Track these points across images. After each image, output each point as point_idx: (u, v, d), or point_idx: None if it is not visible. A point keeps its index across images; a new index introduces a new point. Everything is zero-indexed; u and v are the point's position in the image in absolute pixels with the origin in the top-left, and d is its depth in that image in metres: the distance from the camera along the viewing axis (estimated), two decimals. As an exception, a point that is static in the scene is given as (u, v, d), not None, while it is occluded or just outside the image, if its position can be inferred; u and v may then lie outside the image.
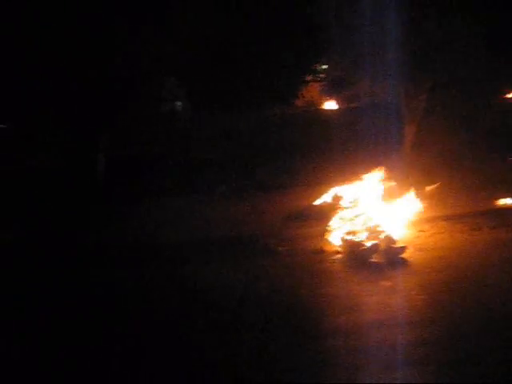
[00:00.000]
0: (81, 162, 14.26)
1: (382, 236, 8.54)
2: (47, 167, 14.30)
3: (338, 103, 23.58)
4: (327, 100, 23.96)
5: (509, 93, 21.00)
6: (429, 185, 10.01)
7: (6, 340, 6.12)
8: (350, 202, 9.68)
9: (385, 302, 6.75)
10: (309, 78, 18.67)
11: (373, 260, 8.27)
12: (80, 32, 12.20)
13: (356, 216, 9.22)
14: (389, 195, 9.92)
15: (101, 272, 8.24)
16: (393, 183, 10.30)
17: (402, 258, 8.22)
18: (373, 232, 8.68)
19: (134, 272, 8.25)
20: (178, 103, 25.86)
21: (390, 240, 8.46)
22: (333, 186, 10.44)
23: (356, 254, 8.37)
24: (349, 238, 8.72)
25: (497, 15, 12.12)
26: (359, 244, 8.47)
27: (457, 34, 12.17)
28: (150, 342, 5.98)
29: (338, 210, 9.57)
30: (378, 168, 10.92)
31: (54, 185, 12.89)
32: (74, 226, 10.58)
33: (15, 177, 13.49)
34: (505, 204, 10.31)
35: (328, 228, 9.19)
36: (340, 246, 8.73)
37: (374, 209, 9.37)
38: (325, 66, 23.89)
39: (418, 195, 9.95)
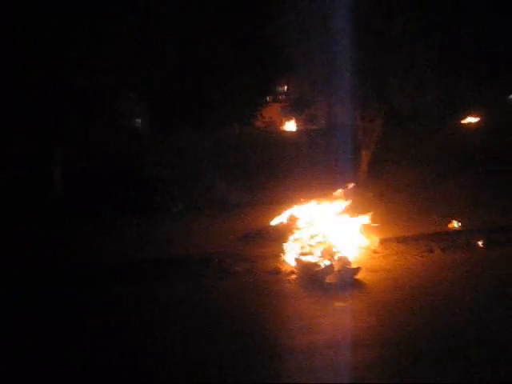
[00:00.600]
0: (37, 173, 14.08)
1: (337, 257, 8.62)
2: (4, 178, 14.08)
3: (297, 124, 23.92)
4: (287, 121, 24.29)
5: (463, 118, 21.70)
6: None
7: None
8: (306, 223, 9.75)
9: (338, 323, 6.81)
10: (268, 98, 18.89)
11: (327, 281, 8.33)
12: (39, 43, 12.10)
13: (311, 237, 9.29)
14: (344, 217, 10.03)
15: (52, 289, 8.11)
16: (348, 205, 10.41)
17: (356, 279, 8.31)
18: (328, 253, 8.75)
19: (86, 289, 8.15)
20: (138, 120, 25.74)
21: (344, 261, 8.54)
22: (289, 206, 10.51)
23: (311, 275, 8.41)
24: (304, 258, 8.77)
25: (456, 41, 12.47)
26: (314, 265, 8.52)
27: (414, 59, 12.50)
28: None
29: (294, 231, 9.62)
30: (334, 189, 11.09)
31: (9, 197, 12.70)
32: (26, 241, 10.40)
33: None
34: (456, 226, 10.54)
35: (284, 248, 9.23)
36: (295, 267, 8.75)
37: (330, 230, 9.46)
38: (285, 88, 24.21)
39: (371, 216, 10.10)
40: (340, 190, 11.07)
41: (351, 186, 11.45)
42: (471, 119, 23.47)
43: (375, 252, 9.53)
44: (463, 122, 22.02)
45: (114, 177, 14.14)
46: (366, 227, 9.96)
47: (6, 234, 10.64)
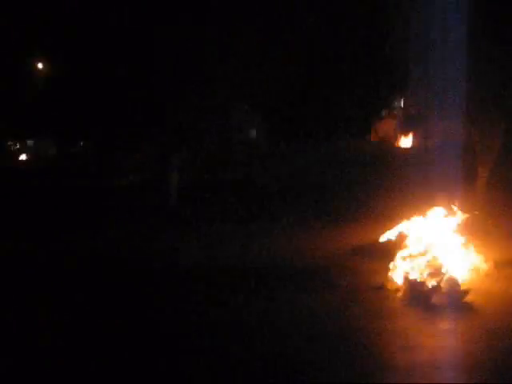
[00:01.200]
0: (156, 179, 14.90)
1: (446, 277, 8.37)
2: (130, 183, 15.03)
3: (412, 140, 23.45)
4: (402, 136, 23.90)
5: None
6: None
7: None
8: (415, 240, 9.54)
9: (443, 345, 6.64)
10: (384, 113, 18.73)
11: (434, 301, 8.11)
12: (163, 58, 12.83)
13: (420, 254, 9.07)
14: (456, 236, 9.71)
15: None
16: (461, 224, 10.07)
17: (464, 302, 8.02)
18: (436, 272, 8.51)
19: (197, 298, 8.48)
20: (253, 131, 26.39)
21: (453, 282, 8.28)
22: (399, 223, 10.35)
23: (417, 294, 8.23)
24: (411, 276, 8.59)
25: None
26: (421, 284, 8.34)
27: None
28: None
29: (402, 248, 9.45)
30: (448, 207, 10.76)
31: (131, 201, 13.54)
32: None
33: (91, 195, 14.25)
34: None
35: (391, 265, 9.10)
36: (402, 285, 8.61)
37: (440, 248, 9.20)
38: (401, 103, 23.84)
39: (485, 239, 9.72)
40: (454, 208, 10.73)
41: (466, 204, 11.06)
42: None
43: (487, 275, 9.14)
44: None
45: (226, 186, 14.65)
46: (480, 249, 9.59)
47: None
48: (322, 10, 13.68)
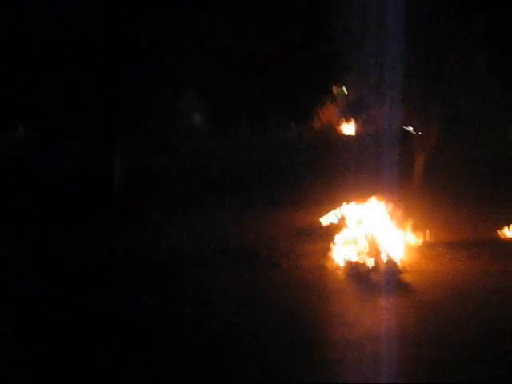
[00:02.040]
0: (99, 165, 14.74)
1: (384, 257, 8.78)
2: (69, 169, 14.79)
3: (355, 127, 23.93)
4: (344, 123, 24.34)
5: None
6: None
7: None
8: (356, 223, 9.93)
9: (380, 320, 7.01)
10: (326, 99, 19.04)
11: (373, 280, 8.51)
12: (103, 42, 12.68)
13: (360, 236, 9.46)
14: (394, 219, 10.15)
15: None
16: (399, 208, 10.52)
17: (401, 280, 8.45)
18: (375, 253, 8.92)
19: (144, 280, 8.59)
20: (197, 116, 26.25)
21: (390, 261, 8.71)
22: (340, 206, 10.71)
23: (356, 273, 8.61)
24: (351, 257, 8.97)
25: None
26: (360, 263, 8.73)
27: (473, 66, 12.45)
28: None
29: (343, 230, 9.82)
30: (386, 192, 11.19)
31: (73, 185, 13.36)
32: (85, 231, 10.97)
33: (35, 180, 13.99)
34: (508, 235, 10.50)
35: (332, 246, 9.45)
36: (342, 265, 8.98)
37: (378, 231, 9.61)
38: (344, 90, 24.23)
39: (421, 221, 10.20)
40: (392, 193, 11.17)
41: (402, 189, 11.53)
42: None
43: (423, 254, 9.63)
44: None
45: (171, 171, 14.65)
46: (415, 231, 10.07)
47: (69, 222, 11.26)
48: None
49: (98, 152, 15.52)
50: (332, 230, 9.91)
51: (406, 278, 8.51)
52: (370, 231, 9.62)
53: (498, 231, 10.66)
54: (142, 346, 6.27)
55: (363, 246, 9.22)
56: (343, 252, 9.19)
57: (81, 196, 13.08)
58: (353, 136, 21.78)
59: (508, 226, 10.69)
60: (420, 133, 13.97)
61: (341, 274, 8.80)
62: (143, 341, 6.39)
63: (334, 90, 20.56)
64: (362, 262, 8.77)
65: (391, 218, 10.06)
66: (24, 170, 15.25)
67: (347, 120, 22.89)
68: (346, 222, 10.11)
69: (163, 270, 8.99)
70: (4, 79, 13.42)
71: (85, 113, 13.75)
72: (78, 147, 16.24)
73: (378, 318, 7.07)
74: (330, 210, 10.86)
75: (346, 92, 21.23)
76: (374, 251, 9.00)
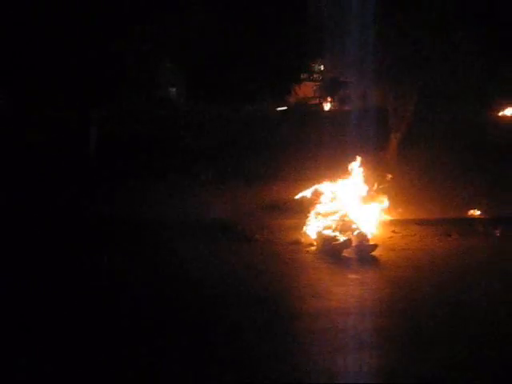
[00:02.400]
0: (74, 133, 14.56)
1: (356, 233, 8.91)
2: (42, 140, 14.58)
3: (331, 104, 23.98)
4: (321, 100, 24.36)
5: (498, 109, 21.40)
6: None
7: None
8: (329, 198, 10.02)
9: (350, 293, 7.14)
10: (303, 76, 18.99)
11: (344, 254, 8.65)
12: (80, 11, 12.46)
13: (333, 212, 9.57)
14: (367, 195, 10.27)
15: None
16: (372, 184, 10.63)
17: (372, 256, 8.61)
18: (347, 228, 9.04)
19: (114, 248, 8.61)
20: (173, 89, 26.02)
21: (362, 237, 8.84)
22: (314, 182, 10.77)
23: (329, 248, 8.73)
24: (324, 232, 9.07)
25: (495, 31, 12.42)
26: (333, 238, 8.83)
27: (450, 44, 12.53)
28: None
29: (316, 205, 9.91)
30: (360, 169, 11.28)
31: (48, 157, 13.20)
32: (64, 200, 10.90)
33: (8, 150, 13.77)
34: (476, 213, 10.71)
35: (305, 221, 9.54)
36: (315, 239, 9.09)
37: (352, 207, 9.73)
38: (321, 67, 24.22)
39: (394, 199, 10.34)
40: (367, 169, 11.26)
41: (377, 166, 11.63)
42: (509, 111, 23.14)
43: (394, 232, 9.79)
44: (500, 113, 21.77)
45: (146, 142, 14.55)
46: (388, 208, 10.21)
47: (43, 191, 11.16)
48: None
49: (73, 121, 15.32)
50: (306, 205, 9.97)
51: (377, 253, 8.65)
52: (343, 206, 9.74)
53: (469, 210, 10.85)
54: (114, 320, 6.24)
55: (336, 221, 9.32)
56: (316, 227, 9.28)
57: (56, 165, 12.95)
58: (329, 113, 21.85)
59: (478, 204, 10.89)
60: (396, 111, 14.03)
61: (313, 249, 8.90)
62: (114, 314, 6.38)
63: (311, 67, 20.55)
64: (334, 236, 8.87)
65: (365, 194, 10.16)
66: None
67: (324, 97, 22.97)
68: (321, 197, 10.17)
69: (138, 239, 9.03)
70: None
71: (60, 81, 13.56)
72: (53, 116, 16.00)
73: (347, 291, 7.18)
74: (304, 187, 10.91)
75: (322, 68, 21.26)
76: (347, 226, 9.12)
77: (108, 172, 12.50)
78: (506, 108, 21.36)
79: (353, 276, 7.81)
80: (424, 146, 13.53)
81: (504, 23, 12.25)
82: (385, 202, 10.23)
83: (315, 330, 6.02)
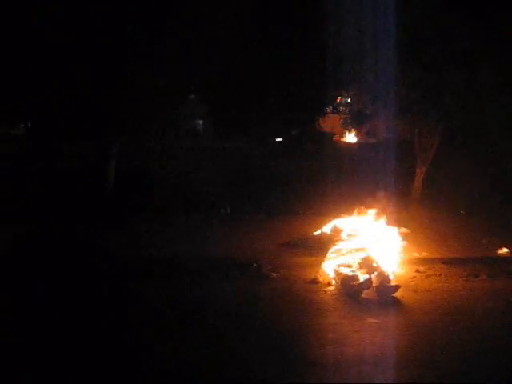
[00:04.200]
0: (93, 168, 14.51)
1: (377, 272, 8.47)
2: (64, 170, 14.59)
3: (356, 136, 23.73)
4: (347, 133, 24.13)
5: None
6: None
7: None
8: (349, 235, 9.64)
9: (368, 340, 6.68)
10: (328, 109, 18.82)
11: (364, 296, 8.20)
12: (103, 44, 12.48)
13: (353, 250, 9.15)
14: (390, 233, 9.85)
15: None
16: (396, 222, 10.24)
17: (394, 297, 8.13)
18: (368, 267, 8.61)
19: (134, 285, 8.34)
20: (199, 122, 26.15)
21: (384, 277, 8.39)
22: (334, 218, 10.42)
23: (348, 288, 8.30)
24: (343, 270, 8.66)
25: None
26: (353, 278, 8.41)
27: (475, 77, 12.20)
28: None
29: (336, 242, 9.53)
30: (384, 205, 10.90)
31: (67, 188, 13.14)
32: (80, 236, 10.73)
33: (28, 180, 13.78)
34: (505, 253, 10.17)
35: (324, 259, 9.14)
36: (334, 278, 8.67)
37: (373, 244, 9.31)
38: (348, 100, 24.01)
39: (418, 236, 9.90)
40: (390, 205, 10.90)
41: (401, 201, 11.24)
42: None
43: (418, 271, 9.30)
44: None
45: (167, 176, 14.44)
46: (412, 247, 9.77)
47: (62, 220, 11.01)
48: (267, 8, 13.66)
49: (94, 154, 15.33)
50: (325, 242, 9.59)
51: (400, 295, 8.19)
52: (364, 245, 9.32)
53: (497, 248, 10.32)
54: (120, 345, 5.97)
55: (356, 259, 8.91)
56: (335, 265, 8.88)
57: (73, 198, 12.86)
58: (354, 146, 21.59)
59: (507, 243, 10.36)
60: (422, 144, 13.66)
61: (331, 289, 8.49)
62: (121, 341, 6.10)
63: (337, 100, 20.37)
64: (353, 276, 8.45)
65: (387, 231, 9.74)
66: (19, 170, 15.10)
67: (349, 130, 22.73)
68: (340, 234, 9.79)
69: (153, 276, 8.74)
70: (6, 79, 13.27)
71: (83, 114, 13.56)
72: (74, 149, 16.07)
73: (366, 337, 6.73)
74: (324, 222, 10.56)
75: (349, 101, 21.04)
76: (367, 266, 8.69)
77: (124, 207, 12.33)
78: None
79: (373, 320, 7.34)
80: (450, 180, 13.14)
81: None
82: (408, 238, 9.77)
83: (331, 380, 5.61)
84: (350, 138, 24.77)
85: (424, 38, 11.74)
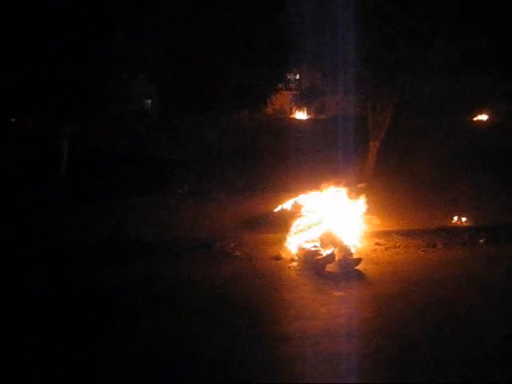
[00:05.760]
0: (45, 149, 14.07)
1: (339, 246, 8.60)
2: (13, 154, 14.13)
3: (307, 113, 23.87)
4: (297, 110, 24.23)
5: (476, 115, 21.54)
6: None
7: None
8: (310, 211, 9.72)
9: (334, 312, 6.79)
10: (280, 86, 18.79)
11: (328, 269, 8.34)
12: (53, 24, 12.06)
13: (314, 225, 9.26)
14: (349, 207, 9.98)
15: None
16: (353, 195, 10.36)
17: (356, 270, 8.29)
18: (330, 242, 8.74)
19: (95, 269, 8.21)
20: (148, 101, 25.75)
21: (346, 251, 8.53)
22: (294, 194, 10.48)
23: (312, 263, 8.40)
24: (306, 246, 8.76)
25: (470, 38, 12.36)
26: (315, 253, 8.52)
27: (428, 53, 12.41)
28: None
29: (297, 218, 9.59)
30: (341, 180, 11.03)
31: (18, 172, 12.73)
32: (35, 221, 10.43)
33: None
34: (459, 222, 10.48)
35: (286, 235, 9.21)
36: (297, 254, 8.76)
37: (333, 219, 9.43)
38: (297, 76, 24.08)
39: (376, 209, 10.07)
40: (347, 181, 11.01)
41: (358, 180, 11.41)
42: (482, 117, 23.37)
43: (378, 244, 9.51)
44: (474, 119, 21.91)
45: (121, 157, 14.18)
46: (371, 219, 9.94)
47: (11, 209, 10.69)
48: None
49: (44, 136, 14.86)
50: (286, 220, 9.64)
51: (362, 267, 8.36)
52: (325, 220, 9.44)
53: (452, 219, 10.62)
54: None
55: (318, 234, 9.02)
56: (297, 241, 8.97)
57: (26, 181, 12.48)
58: (306, 122, 21.70)
59: (462, 213, 10.68)
60: (374, 120, 13.85)
61: (295, 264, 8.58)
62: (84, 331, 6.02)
63: (288, 76, 20.38)
64: (316, 251, 8.56)
65: (347, 206, 9.87)
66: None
67: (301, 107, 22.83)
68: (301, 210, 9.87)
69: (114, 257, 8.61)
70: None
71: (31, 96, 13.11)
72: (21, 130, 15.55)
73: (333, 310, 6.84)
74: (284, 198, 10.61)
75: (298, 77, 21.12)
76: (329, 240, 8.82)
77: (80, 189, 12.04)
78: (480, 114, 21.57)
79: (338, 293, 7.47)
80: (404, 154, 13.39)
81: (478, 36, 12.19)
82: (367, 213, 9.92)
83: (301, 354, 5.69)
84: (300, 115, 24.91)
85: (376, 13, 11.82)
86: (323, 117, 22.13)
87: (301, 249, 8.74)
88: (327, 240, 8.82)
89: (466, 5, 12.03)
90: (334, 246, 8.64)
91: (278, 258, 8.81)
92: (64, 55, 12.36)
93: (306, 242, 8.89)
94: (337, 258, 8.44)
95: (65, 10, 11.77)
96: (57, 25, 12.09)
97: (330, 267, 8.38)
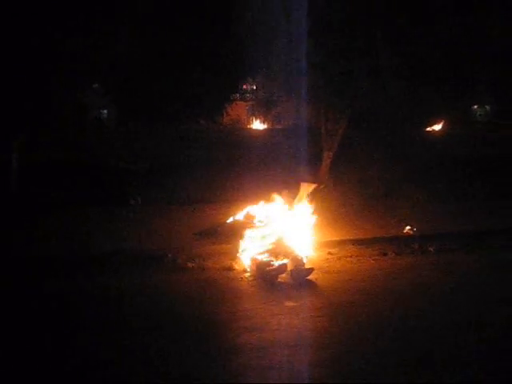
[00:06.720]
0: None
1: (291, 257, 8.61)
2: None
3: (263, 123, 24.01)
4: (254, 119, 24.38)
5: (429, 125, 22.05)
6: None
7: None
8: (262, 221, 9.69)
9: (286, 323, 6.78)
10: (235, 97, 18.83)
11: (280, 280, 8.33)
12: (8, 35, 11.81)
13: (267, 235, 9.23)
14: (301, 217, 9.99)
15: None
16: (306, 205, 10.38)
17: (309, 280, 8.31)
18: (281, 252, 8.75)
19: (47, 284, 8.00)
20: (104, 111, 25.46)
21: (298, 261, 8.55)
22: (246, 204, 10.44)
23: (264, 274, 8.39)
24: (258, 257, 8.73)
25: (422, 51, 12.60)
26: (267, 263, 8.50)
27: (379, 65, 12.60)
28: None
29: (249, 229, 9.54)
30: (293, 189, 11.04)
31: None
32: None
33: None
34: (411, 231, 10.61)
35: (238, 246, 9.16)
36: (249, 265, 8.73)
37: (285, 229, 9.42)
38: (253, 87, 24.16)
39: (328, 219, 10.13)
40: (301, 189, 11.02)
41: (312, 186, 11.41)
42: (436, 127, 23.94)
43: (330, 253, 9.55)
44: (428, 129, 22.41)
45: (74, 167, 13.94)
46: (323, 229, 9.98)
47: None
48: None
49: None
50: (238, 230, 9.58)
51: (314, 277, 8.37)
52: (277, 230, 9.42)
53: (403, 228, 10.74)
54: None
55: (270, 245, 9.01)
56: (250, 252, 8.93)
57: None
58: (261, 132, 21.78)
59: (411, 222, 10.81)
60: (328, 130, 13.95)
61: (247, 275, 8.54)
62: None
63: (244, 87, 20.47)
64: (268, 261, 8.54)
65: (299, 216, 9.88)
66: None
67: (256, 116, 22.98)
68: (253, 221, 9.84)
69: (60, 273, 8.39)
70: None
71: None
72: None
73: (284, 321, 6.82)
74: (236, 209, 10.57)
75: (255, 88, 21.21)
76: (281, 250, 8.83)
77: (31, 204, 11.75)
78: (432, 124, 22.14)
79: (290, 304, 7.47)
80: (357, 164, 13.53)
81: (429, 49, 12.47)
82: (319, 222, 9.93)
83: (252, 366, 5.64)
84: (256, 125, 25.03)
85: (327, 24, 11.95)
86: (280, 127, 22.32)
87: (253, 259, 8.71)
88: (279, 250, 8.82)
89: (417, 18, 12.28)
90: (286, 257, 8.64)
91: (230, 268, 8.77)
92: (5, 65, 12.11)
93: (259, 252, 8.86)
94: (289, 269, 8.44)
95: (10, 21, 11.53)
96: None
97: (282, 278, 8.37)
